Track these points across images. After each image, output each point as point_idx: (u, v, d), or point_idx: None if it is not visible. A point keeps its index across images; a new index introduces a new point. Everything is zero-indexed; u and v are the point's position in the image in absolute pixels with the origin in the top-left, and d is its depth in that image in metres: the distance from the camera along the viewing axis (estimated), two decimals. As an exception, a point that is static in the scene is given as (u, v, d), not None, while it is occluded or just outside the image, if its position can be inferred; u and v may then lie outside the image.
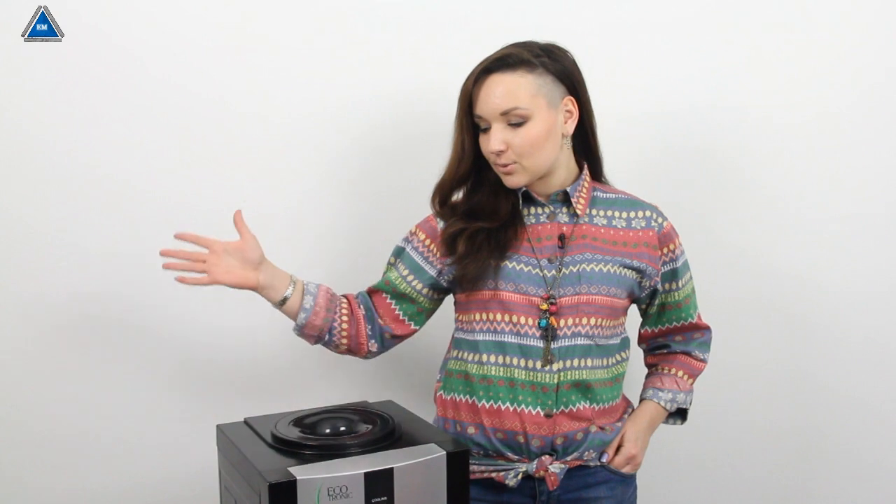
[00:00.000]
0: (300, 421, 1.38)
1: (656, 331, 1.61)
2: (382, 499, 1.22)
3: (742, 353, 2.07)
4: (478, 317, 1.48)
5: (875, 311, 2.06)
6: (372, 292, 1.57)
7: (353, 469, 1.22)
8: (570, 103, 1.46)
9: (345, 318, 1.52)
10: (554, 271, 1.45)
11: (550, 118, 1.43)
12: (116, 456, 1.80)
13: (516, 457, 1.46)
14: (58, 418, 1.76)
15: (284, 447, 1.29)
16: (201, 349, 1.84)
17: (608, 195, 1.54)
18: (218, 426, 1.43)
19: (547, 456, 1.45)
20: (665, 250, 1.53)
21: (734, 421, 2.10)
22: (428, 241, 1.53)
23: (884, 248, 2.05)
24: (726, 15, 1.99)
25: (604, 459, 1.50)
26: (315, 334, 1.50)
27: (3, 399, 1.73)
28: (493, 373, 1.46)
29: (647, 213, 1.53)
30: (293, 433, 1.32)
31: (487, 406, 1.45)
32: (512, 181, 1.45)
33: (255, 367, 1.86)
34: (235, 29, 1.77)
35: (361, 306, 1.54)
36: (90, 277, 1.74)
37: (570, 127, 1.47)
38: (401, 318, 1.54)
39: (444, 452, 1.28)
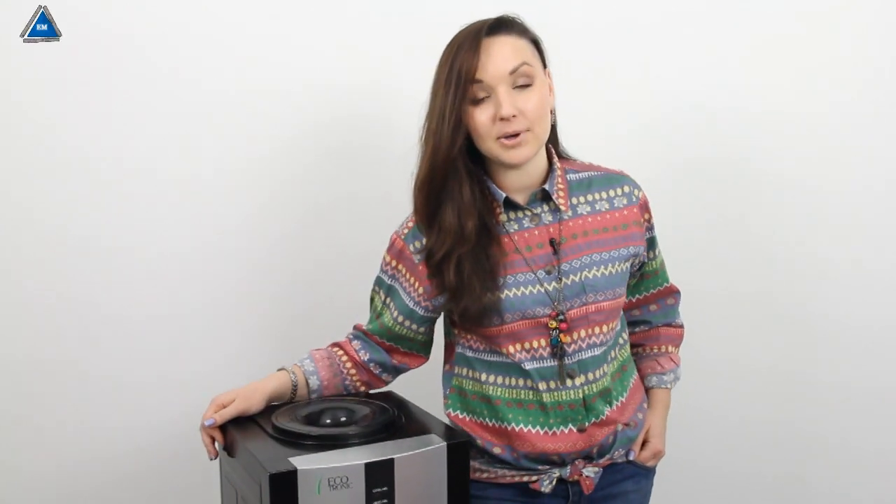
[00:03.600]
0: (301, 412, 1.37)
1: (633, 301, 1.56)
2: (383, 489, 1.22)
3: (739, 347, 2.07)
4: (488, 347, 1.42)
5: (876, 305, 2.06)
6: (368, 335, 1.51)
7: (353, 459, 1.22)
8: (549, 76, 1.40)
9: (353, 373, 1.50)
10: (554, 283, 1.38)
11: (546, 84, 1.37)
12: (117, 446, 1.81)
13: (548, 466, 1.42)
14: (56, 409, 1.77)
15: (285, 438, 1.29)
16: (201, 339, 1.85)
17: (581, 175, 1.46)
18: (218, 416, 1.43)
19: (580, 460, 1.42)
20: (643, 220, 1.48)
21: (729, 415, 2.10)
22: (412, 279, 1.43)
23: (883, 241, 2.04)
24: (727, 8, 1.99)
25: (631, 457, 1.47)
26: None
27: (7, 391, 1.74)
28: (523, 396, 1.39)
29: (626, 189, 1.46)
30: (294, 424, 1.32)
31: (517, 429, 1.39)
32: (520, 154, 1.34)
33: (255, 356, 1.86)
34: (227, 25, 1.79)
35: (362, 350, 1.50)
36: (91, 272, 1.76)
37: (553, 100, 1.41)
38: (405, 351, 1.51)
39: (445, 443, 1.28)
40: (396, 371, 1.54)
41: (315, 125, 1.87)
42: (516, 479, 1.43)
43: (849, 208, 2.02)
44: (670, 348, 1.60)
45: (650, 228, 1.51)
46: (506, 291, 1.38)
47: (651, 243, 1.52)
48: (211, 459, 1.39)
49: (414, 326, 1.47)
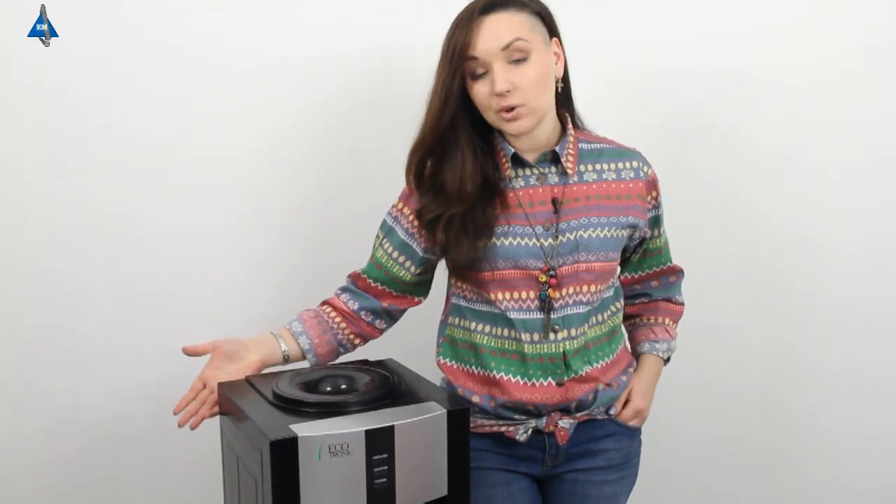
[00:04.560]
0: (301, 379, 1.38)
1: (636, 276, 1.61)
2: (383, 456, 1.23)
3: (725, 314, 2.08)
4: (479, 295, 1.47)
5: (870, 281, 2.06)
6: (359, 279, 1.55)
7: (354, 427, 1.22)
8: (556, 45, 1.44)
9: (343, 326, 1.54)
10: (551, 239, 1.43)
11: (547, 56, 1.41)
12: (118, 411, 1.82)
13: (525, 417, 1.46)
14: (59, 374, 1.77)
15: (286, 405, 1.29)
16: (202, 306, 1.85)
17: (593, 146, 1.50)
18: (219, 384, 1.43)
19: (557, 412, 1.46)
20: (650, 197, 1.52)
21: (723, 388, 2.12)
22: (415, 220, 1.49)
23: (878, 212, 2.03)
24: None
25: (612, 412, 1.50)
26: (331, 358, 1.53)
27: (20, 345, 1.76)
28: (506, 346, 1.45)
29: (635, 164, 1.51)
30: (294, 391, 1.33)
31: (499, 377, 1.44)
32: (518, 126, 1.39)
33: (256, 325, 1.86)
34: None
35: (350, 301, 1.55)
36: (93, 243, 1.78)
37: (561, 69, 1.45)
38: (396, 294, 1.55)
39: (445, 410, 1.28)
40: (389, 316, 1.57)
41: (327, 95, 1.87)
42: (494, 428, 1.47)
43: (847, 184, 2.02)
44: (667, 321, 1.63)
45: (656, 206, 1.54)
46: (501, 239, 1.42)
47: (655, 221, 1.55)
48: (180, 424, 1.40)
49: (408, 264, 1.51)
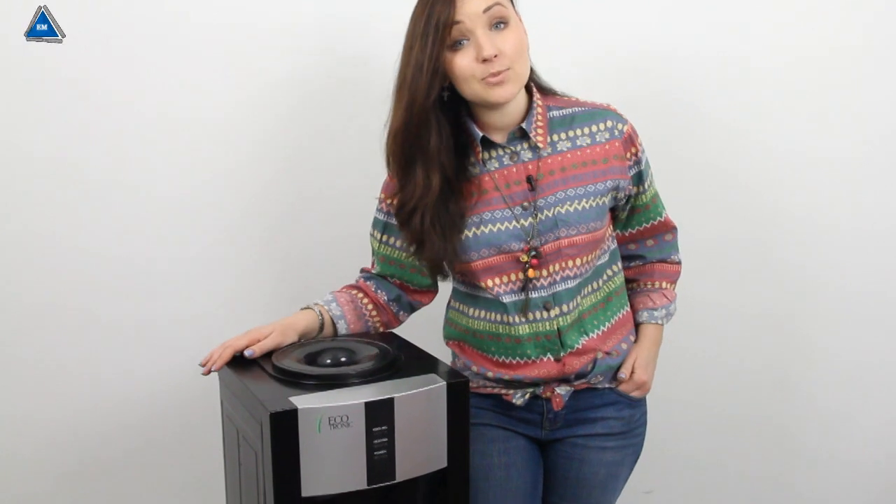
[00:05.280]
0: (302, 352, 1.38)
1: (626, 235, 1.58)
2: (383, 428, 1.23)
3: (722, 295, 2.07)
4: (471, 280, 1.47)
5: (869, 256, 2.05)
6: (378, 276, 1.57)
7: (353, 399, 1.23)
8: (521, 22, 1.42)
9: (374, 314, 1.55)
10: (530, 218, 1.42)
11: (521, 27, 1.40)
12: (119, 384, 1.82)
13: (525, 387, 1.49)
14: (57, 354, 1.78)
15: (286, 377, 1.30)
16: (202, 282, 1.85)
17: (564, 112, 1.46)
18: (219, 359, 1.44)
19: (556, 382, 1.47)
20: (629, 154, 1.47)
21: (714, 363, 2.12)
22: None
23: (879, 192, 2.02)
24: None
25: (622, 376, 1.50)
26: None
27: (11, 336, 1.76)
28: (500, 330, 1.46)
29: (609, 123, 1.46)
30: (295, 364, 1.33)
31: (495, 359, 1.47)
32: (504, 92, 1.36)
33: (256, 297, 1.86)
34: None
35: (379, 291, 1.56)
36: (92, 217, 1.78)
37: (528, 41, 1.42)
38: (415, 289, 1.57)
39: (445, 383, 1.28)
40: (411, 308, 1.60)
41: (305, 65, 1.86)
42: (494, 390, 1.50)
43: (849, 163, 2.01)
44: (664, 284, 1.61)
45: (637, 163, 1.50)
46: (482, 228, 1.42)
47: (639, 178, 1.51)
48: (203, 373, 1.39)
49: None
